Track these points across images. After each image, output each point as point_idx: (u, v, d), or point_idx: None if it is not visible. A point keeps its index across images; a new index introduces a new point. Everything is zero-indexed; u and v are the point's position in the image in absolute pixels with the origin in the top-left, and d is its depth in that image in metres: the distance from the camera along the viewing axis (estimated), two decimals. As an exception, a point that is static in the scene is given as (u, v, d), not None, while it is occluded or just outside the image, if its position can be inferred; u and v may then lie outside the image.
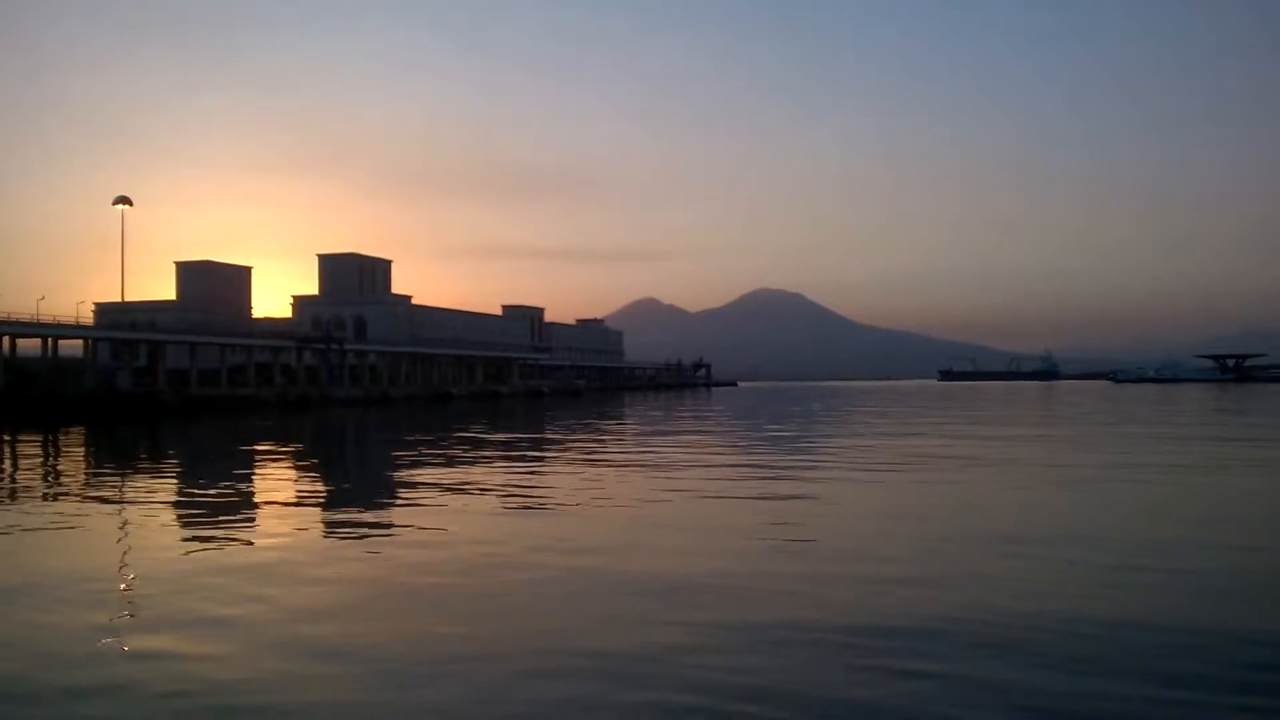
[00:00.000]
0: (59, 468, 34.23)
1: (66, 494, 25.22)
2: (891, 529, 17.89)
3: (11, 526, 19.50)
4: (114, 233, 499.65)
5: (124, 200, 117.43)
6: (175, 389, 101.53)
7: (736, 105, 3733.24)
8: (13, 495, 25.34)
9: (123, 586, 13.53)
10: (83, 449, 44.74)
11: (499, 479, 27.82)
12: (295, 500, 24.00)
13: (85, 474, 31.81)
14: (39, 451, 42.30)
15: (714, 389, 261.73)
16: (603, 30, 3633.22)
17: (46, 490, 26.32)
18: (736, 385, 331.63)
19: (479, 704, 8.56)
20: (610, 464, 32.88)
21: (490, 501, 22.71)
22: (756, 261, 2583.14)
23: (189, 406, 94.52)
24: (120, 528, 19.27)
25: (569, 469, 31.10)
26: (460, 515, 20.23)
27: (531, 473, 30.18)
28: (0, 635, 11.01)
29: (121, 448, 46.37)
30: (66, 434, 55.13)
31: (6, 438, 51.32)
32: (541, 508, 21.55)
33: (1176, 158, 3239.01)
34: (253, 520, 20.38)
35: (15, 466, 34.90)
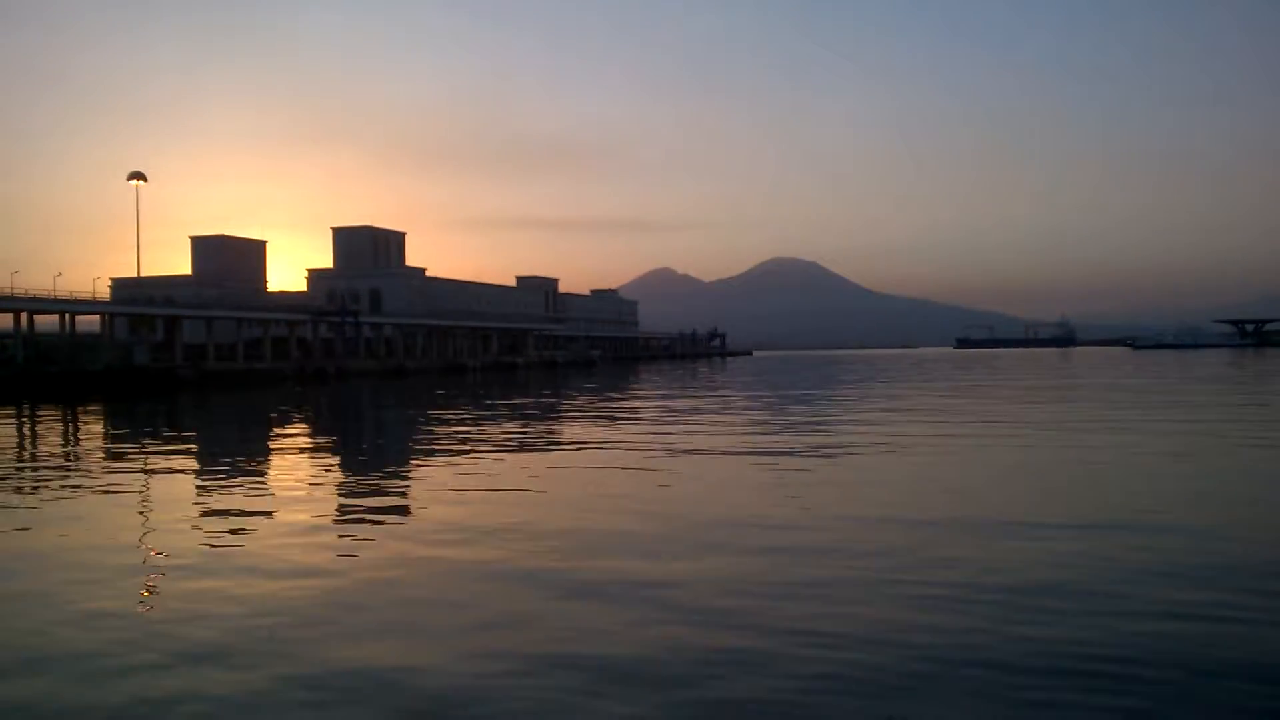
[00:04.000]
0: (87, 440, 34.47)
1: (103, 466, 25.37)
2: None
3: (40, 501, 19.64)
4: (129, 208, 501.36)
5: (138, 175, 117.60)
6: (192, 363, 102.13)
7: (753, 74, 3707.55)
8: (43, 467, 25.52)
9: (162, 558, 13.60)
10: (104, 423, 45.03)
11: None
12: (326, 469, 24.05)
13: (116, 446, 32.01)
14: (63, 425, 42.60)
15: (729, 359, 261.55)
16: (618, 1, 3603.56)
17: (78, 462, 26.49)
18: (751, 355, 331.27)
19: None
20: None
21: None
22: (772, 231, 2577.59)
23: (206, 380, 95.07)
24: (153, 498, 19.38)
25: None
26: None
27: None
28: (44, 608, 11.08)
29: (147, 420, 46.62)
30: (87, 408, 55.51)
31: (28, 412, 51.76)
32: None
33: (1195, 125, 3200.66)
34: (274, 489, 20.45)
35: (37, 439, 35.16)
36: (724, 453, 25.71)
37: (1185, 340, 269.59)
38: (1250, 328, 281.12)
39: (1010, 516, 15.20)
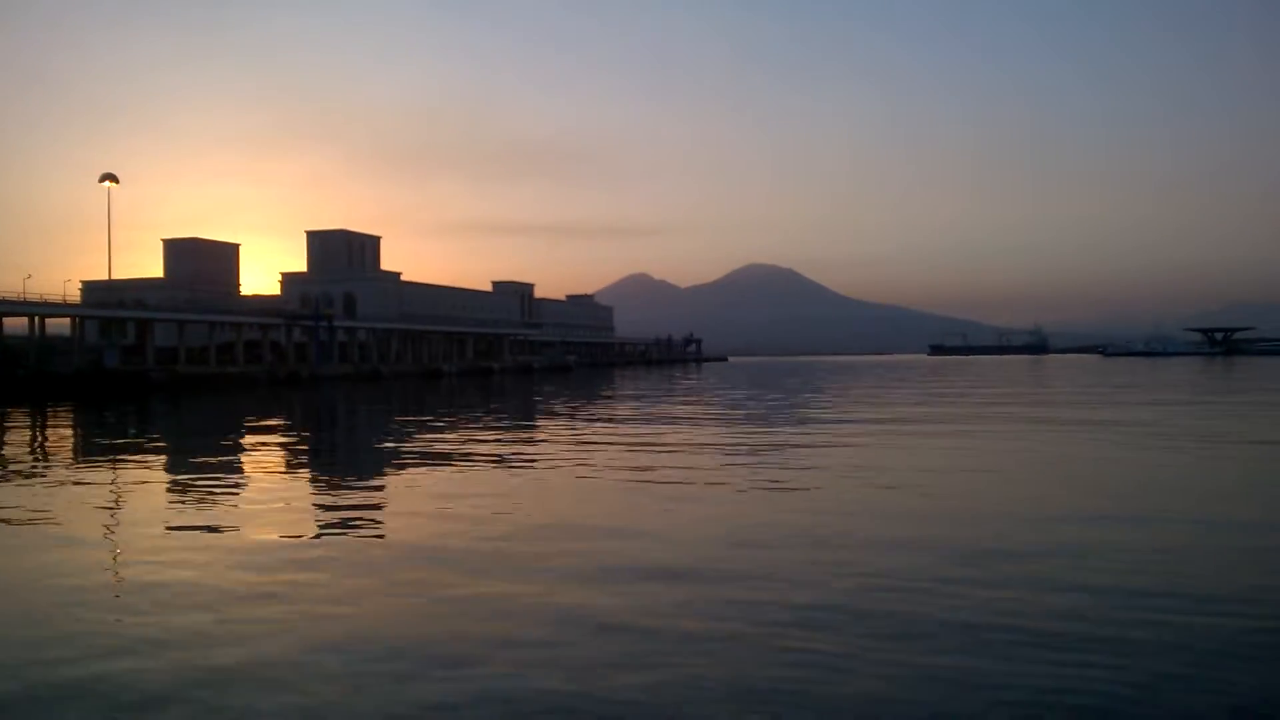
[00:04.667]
0: (51, 444, 34.21)
1: (67, 469, 25.22)
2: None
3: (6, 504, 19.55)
4: (100, 210, 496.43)
5: (110, 177, 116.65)
6: (164, 367, 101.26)
7: (731, 80, 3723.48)
8: (6, 473, 25.35)
9: (121, 561, 13.62)
10: (71, 426, 44.65)
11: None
12: (294, 479, 24.06)
13: (81, 450, 31.80)
14: (29, 429, 42.22)
15: (704, 364, 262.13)
16: (594, 6, 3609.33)
17: (40, 466, 26.33)
18: (727, 360, 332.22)
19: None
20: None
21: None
22: (748, 237, 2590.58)
23: (178, 384, 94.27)
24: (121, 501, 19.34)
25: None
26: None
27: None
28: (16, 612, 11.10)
29: (114, 424, 46.25)
30: (55, 412, 54.98)
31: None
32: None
33: (1167, 138, 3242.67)
34: (244, 493, 20.46)
35: (4, 443, 34.85)
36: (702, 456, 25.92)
37: (1155, 348, 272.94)
38: (1219, 336, 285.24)
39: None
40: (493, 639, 9.38)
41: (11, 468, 25.95)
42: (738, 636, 9.33)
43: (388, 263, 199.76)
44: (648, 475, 22.12)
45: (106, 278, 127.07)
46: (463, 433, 35.78)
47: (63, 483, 22.12)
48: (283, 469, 25.30)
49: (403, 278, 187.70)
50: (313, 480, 23.05)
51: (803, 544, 13.62)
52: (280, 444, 32.94)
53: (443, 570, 12.36)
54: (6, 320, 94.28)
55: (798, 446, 28.65)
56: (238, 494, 20.23)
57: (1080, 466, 22.97)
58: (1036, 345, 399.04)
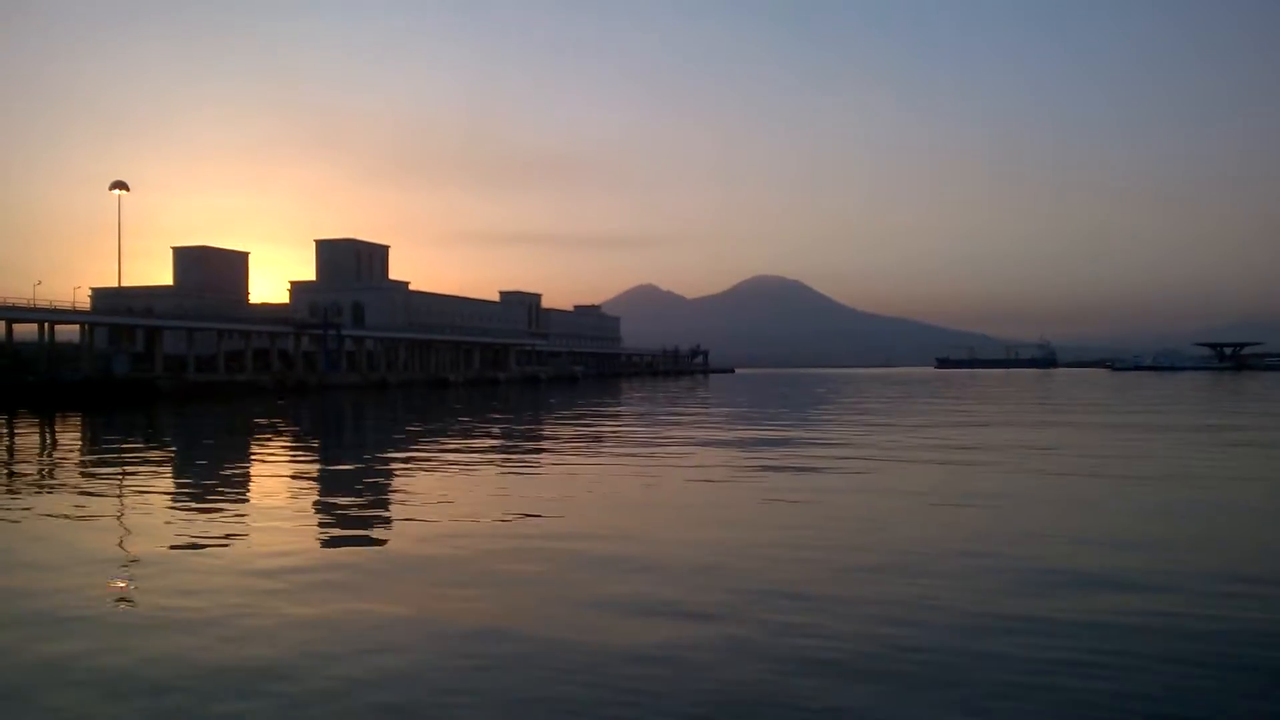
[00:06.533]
0: (64, 452, 34.22)
1: (78, 478, 25.22)
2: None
3: (20, 511, 19.53)
4: (111, 218, 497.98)
5: (121, 185, 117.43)
6: (173, 374, 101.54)
7: (738, 90, 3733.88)
8: (17, 479, 25.36)
9: (129, 569, 13.57)
10: (79, 435, 44.70)
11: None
12: (297, 496, 24.01)
13: (94, 458, 31.81)
14: (39, 436, 42.27)
15: (711, 375, 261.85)
16: (602, 14, 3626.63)
17: (50, 475, 26.33)
18: (734, 372, 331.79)
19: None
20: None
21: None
22: (755, 248, 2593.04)
23: (186, 392, 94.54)
24: (134, 514, 19.30)
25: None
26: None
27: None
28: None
29: (119, 433, 46.28)
30: (65, 419, 55.07)
31: (3, 423, 51.30)
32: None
33: (1178, 151, 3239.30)
34: (253, 502, 20.41)
35: (15, 451, 34.91)
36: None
37: (1164, 363, 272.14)
38: (1229, 351, 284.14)
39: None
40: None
41: (24, 476, 25.97)
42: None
43: (396, 272, 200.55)
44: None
45: (116, 285, 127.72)
46: (470, 451, 35.70)
47: (51, 495, 22.11)
48: (283, 511, 25.21)
49: (411, 287, 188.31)
50: (313, 506, 22.99)
51: None
52: (286, 460, 32.92)
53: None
54: (16, 327, 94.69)
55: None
56: (228, 519, 20.15)
57: None
58: (1044, 359, 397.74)
